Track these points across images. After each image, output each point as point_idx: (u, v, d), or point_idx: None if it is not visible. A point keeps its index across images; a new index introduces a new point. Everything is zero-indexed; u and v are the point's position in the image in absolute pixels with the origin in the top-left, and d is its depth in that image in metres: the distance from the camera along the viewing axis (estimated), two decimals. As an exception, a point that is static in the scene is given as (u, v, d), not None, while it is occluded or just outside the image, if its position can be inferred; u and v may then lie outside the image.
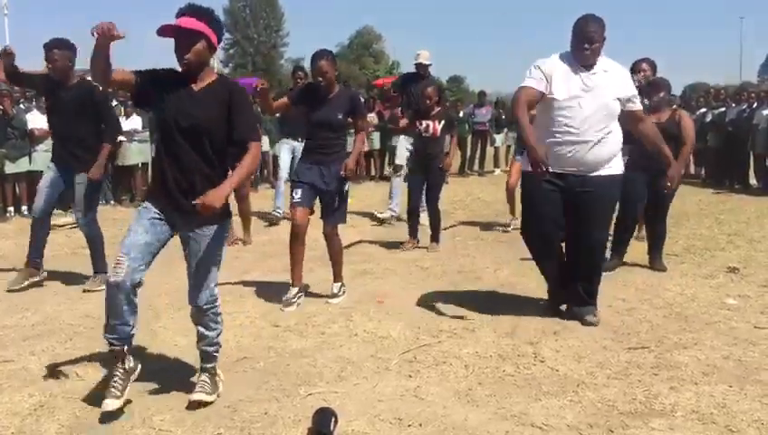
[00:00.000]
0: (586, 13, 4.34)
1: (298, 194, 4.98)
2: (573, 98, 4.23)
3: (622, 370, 3.65)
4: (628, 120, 4.49)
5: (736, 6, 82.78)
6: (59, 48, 5.33)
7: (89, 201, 5.66)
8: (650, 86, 6.14)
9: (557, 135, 4.26)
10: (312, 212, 5.07)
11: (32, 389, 3.54)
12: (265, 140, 11.79)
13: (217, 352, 3.44)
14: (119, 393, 3.09)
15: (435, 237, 7.14)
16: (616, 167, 4.42)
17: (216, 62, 52.34)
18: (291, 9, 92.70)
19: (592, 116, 4.23)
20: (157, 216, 3.23)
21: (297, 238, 4.98)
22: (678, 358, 3.83)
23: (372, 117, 13.17)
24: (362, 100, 5.12)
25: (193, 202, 2.99)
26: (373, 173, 14.76)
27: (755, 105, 12.30)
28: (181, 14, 3.09)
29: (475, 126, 15.61)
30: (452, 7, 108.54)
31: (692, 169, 14.61)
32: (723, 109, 13.05)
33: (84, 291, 5.45)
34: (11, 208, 9.57)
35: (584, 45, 4.23)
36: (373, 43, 58.65)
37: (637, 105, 4.50)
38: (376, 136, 14.14)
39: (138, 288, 3.13)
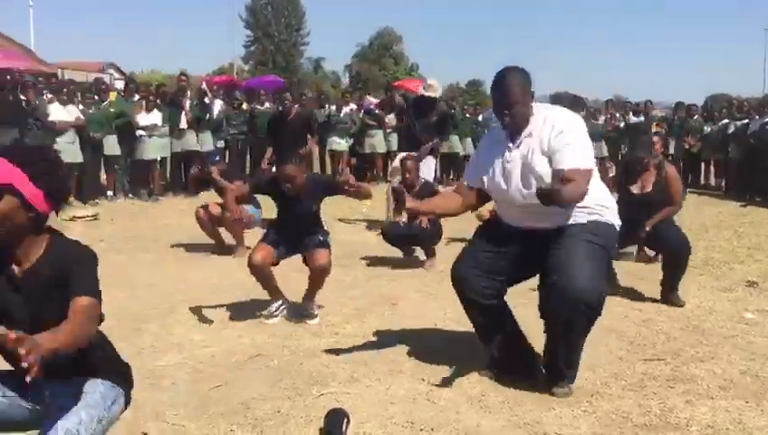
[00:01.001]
0: (503, 68, 3.39)
1: (271, 236, 4.72)
2: (496, 181, 3.47)
3: (637, 381, 3.62)
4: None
5: (761, 18, 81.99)
6: None
7: None
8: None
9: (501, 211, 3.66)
10: (276, 263, 4.72)
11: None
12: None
13: None
14: None
15: (429, 252, 6.56)
16: (592, 215, 3.38)
17: (236, 60, 52.71)
18: (312, 8, 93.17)
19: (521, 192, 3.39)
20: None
21: (259, 275, 4.66)
22: (695, 371, 3.79)
23: (391, 118, 13.15)
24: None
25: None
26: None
27: (779, 118, 12.16)
28: None
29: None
30: (471, 11, 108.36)
31: (712, 181, 14.50)
32: (746, 121, 12.92)
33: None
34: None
35: (503, 111, 3.34)
36: (393, 44, 58.64)
37: (558, 161, 3.23)
38: (393, 138, 14.11)
39: None
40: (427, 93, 8.17)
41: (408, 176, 6.60)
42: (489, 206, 4.06)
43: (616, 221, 3.47)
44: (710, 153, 14.00)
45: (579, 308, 3.21)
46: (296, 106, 10.47)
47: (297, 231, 4.68)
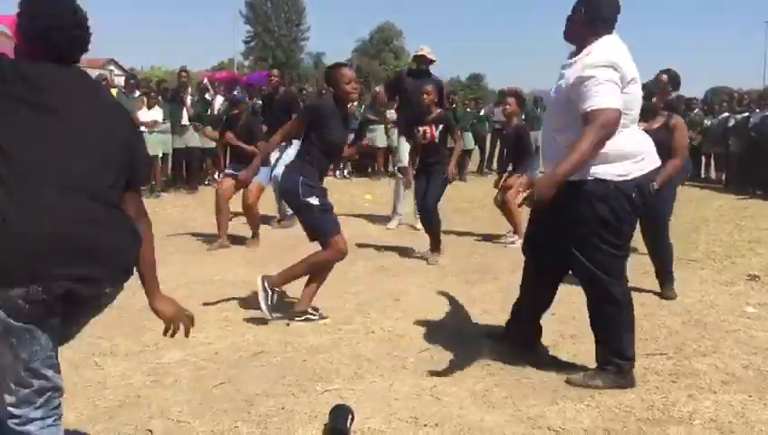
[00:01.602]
0: None
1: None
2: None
3: (640, 376, 3.63)
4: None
5: (761, 10, 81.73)
6: None
7: None
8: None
9: None
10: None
11: None
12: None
13: None
14: None
15: (433, 246, 6.64)
16: (583, 174, 3.30)
17: (236, 56, 52.62)
18: (312, 3, 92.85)
19: (551, 111, 3.65)
20: None
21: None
22: (697, 366, 3.80)
23: (392, 113, 13.14)
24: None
25: None
26: (391, 169, 14.74)
27: (780, 111, 12.16)
28: None
29: (495, 124, 15.54)
30: (471, 5, 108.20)
31: (713, 175, 14.50)
32: (746, 114, 12.92)
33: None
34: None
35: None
36: (393, 39, 58.59)
37: (581, 101, 3.23)
38: (394, 132, 14.10)
39: None
40: (420, 54, 8.22)
41: (426, 99, 6.66)
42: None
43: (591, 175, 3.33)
44: (710, 146, 14.00)
45: (587, 287, 3.59)
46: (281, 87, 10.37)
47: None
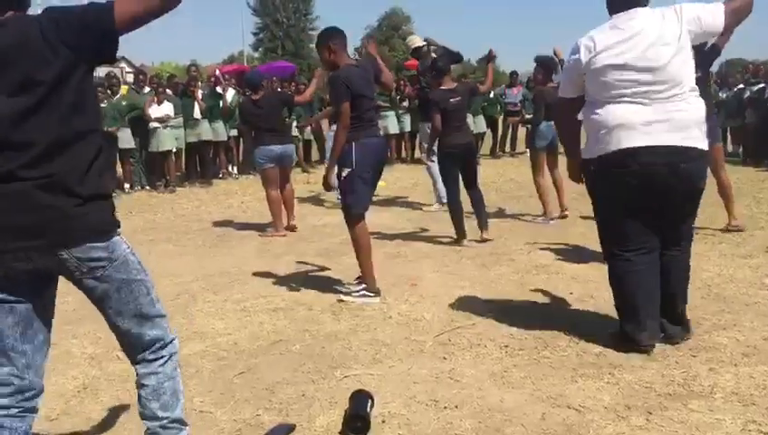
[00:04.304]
0: None
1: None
2: None
3: (660, 351, 3.61)
4: None
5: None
6: None
7: None
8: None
9: None
10: None
11: (75, 371, 3.63)
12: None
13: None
14: None
15: (481, 224, 6.66)
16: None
17: (246, 48, 52.60)
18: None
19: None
20: None
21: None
22: (717, 339, 3.77)
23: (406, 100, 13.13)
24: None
25: None
26: (404, 156, 14.74)
27: (796, 81, 11.99)
28: None
29: (507, 106, 15.46)
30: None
31: (729, 148, 14.33)
32: (762, 85, 12.73)
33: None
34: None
35: None
36: (402, 24, 58.26)
37: None
38: (406, 118, 14.09)
39: None
40: (412, 45, 8.57)
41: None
42: None
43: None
44: (726, 120, 13.82)
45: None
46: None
47: None
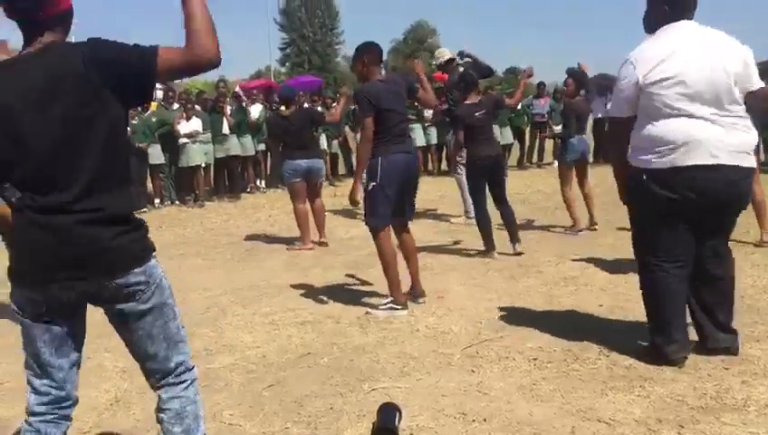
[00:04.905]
0: None
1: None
2: None
3: (691, 364, 3.56)
4: None
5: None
6: None
7: None
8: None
9: None
10: None
11: (107, 385, 3.68)
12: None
13: None
14: None
15: (512, 237, 6.65)
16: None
17: (273, 63, 53.14)
18: (345, 7, 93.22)
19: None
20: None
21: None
22: (750, 351, 3.71)
23: (429, 112, 13.12)
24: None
25: None
26: (431, 168, 14.73)
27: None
28: None
29: (534, 117, 15.39)
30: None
31: (762, 156, 14.09)
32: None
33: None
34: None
35: None
36: (428, 37, 58.45)
37: None
38: (432, 131, 14.09)
39: None
40: (442, 58, 8.59)
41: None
42: None
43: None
44: (764, 130, 13.58)
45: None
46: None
47: None
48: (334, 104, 6.69)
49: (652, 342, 3.64)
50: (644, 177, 3.48)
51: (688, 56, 3.36)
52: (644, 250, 3.67)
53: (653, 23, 3.56)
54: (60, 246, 2.00)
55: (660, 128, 3.41)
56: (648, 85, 3.39)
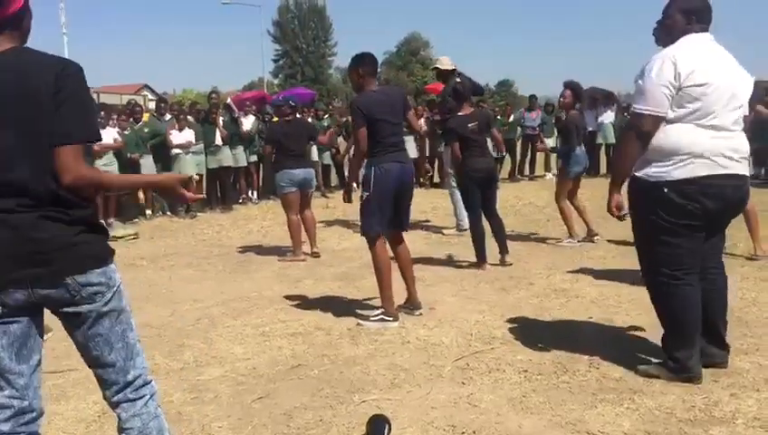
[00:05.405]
0: None
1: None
2: None
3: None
4: None
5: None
6: None
7: None
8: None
9: None
10: None
11: (95, 396, 3.63)
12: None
13: None
14: None
15: (502, 248, 6.73)
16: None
17: (266, 75, 53.28)
18: (338, 19, 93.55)
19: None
20: None
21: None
22: (739, 364, 3.73)
23: (421, 123, 13.16)
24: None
25: None
26: (423, 180, 14.75)
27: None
28: None
29: (526, 130, 15.47)
30: (498, 11, 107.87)
31: (751, 169, 14.17)
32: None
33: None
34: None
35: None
36: (420, 49, 58.69)
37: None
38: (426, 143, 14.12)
39: None
40: (439, 67, 8.59)
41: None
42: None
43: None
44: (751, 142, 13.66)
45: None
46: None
47: None
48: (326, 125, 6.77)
49: (673, 357, 3.55)
50: (665, 189, 3.39)
51: (719, 67, 3.42)
52: (662, 264, 3.53)
53: (674, 32, 3.53)
54: (20, 242, 1.98)
55: (685, 136, 3.37)
56: (685, 87, 3.33)
